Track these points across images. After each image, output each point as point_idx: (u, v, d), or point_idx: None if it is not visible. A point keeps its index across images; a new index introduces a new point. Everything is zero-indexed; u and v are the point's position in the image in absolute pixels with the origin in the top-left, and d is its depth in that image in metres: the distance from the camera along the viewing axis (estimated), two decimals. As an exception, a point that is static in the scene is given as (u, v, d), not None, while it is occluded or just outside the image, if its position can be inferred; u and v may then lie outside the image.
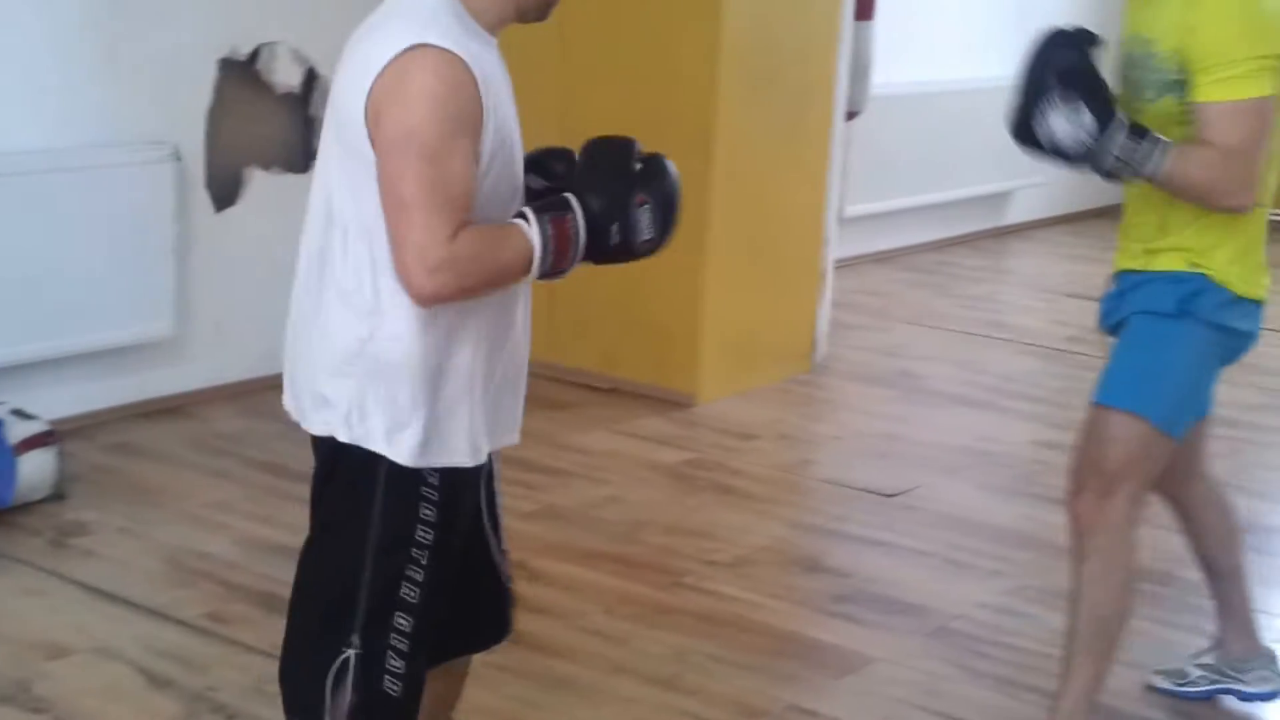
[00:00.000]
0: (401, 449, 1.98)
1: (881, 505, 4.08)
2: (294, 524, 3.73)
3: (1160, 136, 2.48)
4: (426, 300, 1.91)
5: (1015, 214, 7.81)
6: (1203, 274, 2.60)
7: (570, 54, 4.92)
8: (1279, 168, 2.65)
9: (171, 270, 4.35)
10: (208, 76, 4.46)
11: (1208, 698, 3.04)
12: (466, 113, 1.86)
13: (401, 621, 2.02)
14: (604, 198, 1.95)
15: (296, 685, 2.09)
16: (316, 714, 2.04)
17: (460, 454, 2.01)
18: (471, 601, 2.19)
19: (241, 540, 3.63)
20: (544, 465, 4.23)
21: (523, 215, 1.94)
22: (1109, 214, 8.48)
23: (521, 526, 3.80)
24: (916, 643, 3.27)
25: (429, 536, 2.00)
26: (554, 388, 4.88)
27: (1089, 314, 7.19)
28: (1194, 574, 3.66)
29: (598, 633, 3.25)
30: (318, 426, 2.03)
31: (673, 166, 2.02)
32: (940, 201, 7.17)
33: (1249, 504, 4.22)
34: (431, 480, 2.00)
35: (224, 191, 4.55)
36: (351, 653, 2.02)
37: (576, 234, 1.94)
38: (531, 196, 2.04)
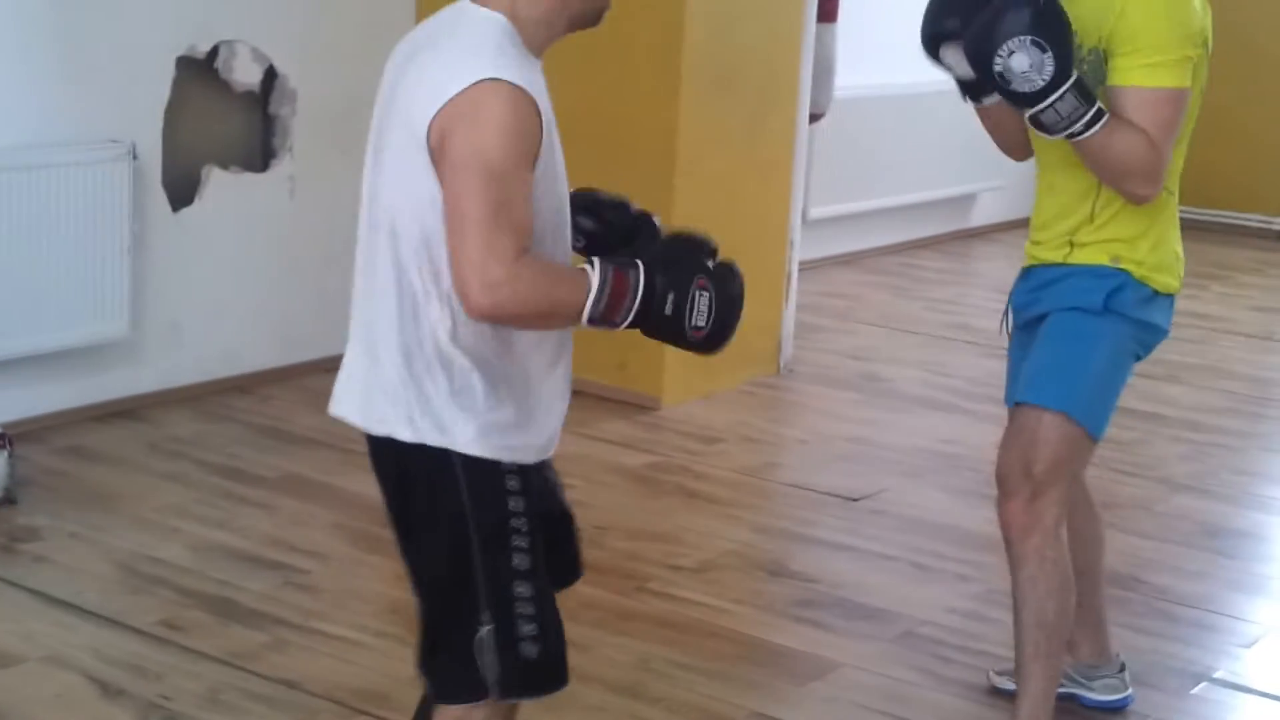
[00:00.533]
0: (467, 441, 2.06)
1: (847, 509, 4.06)
2: (250, 529, 3.70)
3: (1102, 106, 2.48)
4: (481, 316, 1.99)
5: (979, 217, 7.82)
6: (1124, 270, 2.60)
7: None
8: (1181, 160, 2.65)
9: (127, 270, 4.28)
10: (166, 74, 4.41)
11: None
12: (530, 145, 1.97)
13: (522, 589, 2.13)
14: (668, 268, 2.05)
15: (448, 673, 2.20)
16: (479, 691, 2.16)
17: (524, 451, 2.12)
18: (556, 544, 2.31)
19: (196, 546, 3.57)
20: (506, 469, 4.18)
21: (590, 262, 2.02)
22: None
23: (483, 531, 3.76)
24: (883, 648, 3.25)
25: (521, 505, 2.12)
26: (517, 390, 4.84)
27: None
28: (1156, 579, 3.68)
29: (560, 639, 3.21)
30: (376, 427, 2.11)
31: (741, 277, 2.12)
32: (904, 204, 7.17)
33: (1214, 508, 4.24)
34: (510, 469, 2.10)
35: (181, 190, 4.49)
36: (485, 629, 2.13)
37: (634, 290, 2.01)
38: (580, 234, 2.19)
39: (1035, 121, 2.49)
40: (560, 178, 2.10)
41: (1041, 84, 2.42)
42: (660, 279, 2.03)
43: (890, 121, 6.81)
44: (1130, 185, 2.52)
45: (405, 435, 2.08)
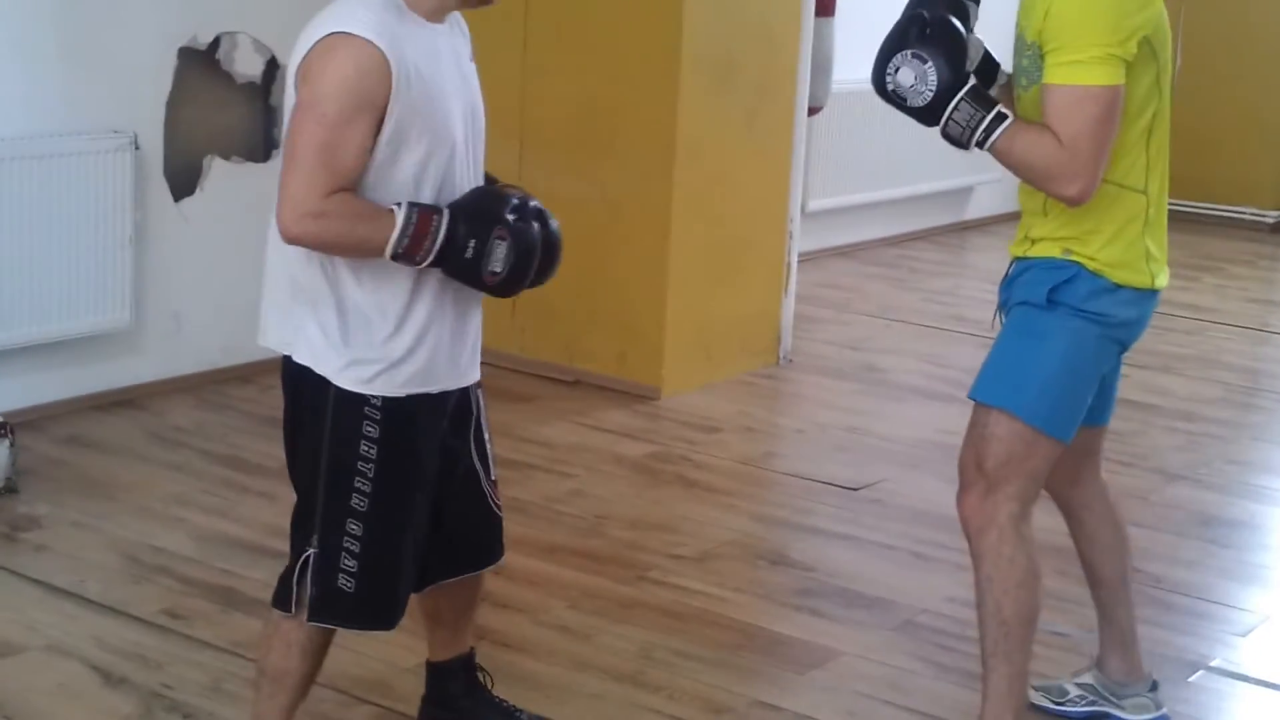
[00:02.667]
0: (334, 373, 2.29)
1: (846, 499, 4.07)
2: (252, 518, 3.71)
3: (1005, 111, 2.47)
4: (290, 241, 2.21)
5: (975, 209, 7.84)
6: (1077, 261, 2.56)
7: (531, 49, 4.89)
8: (1164, 158, 2.61)
9: (129, 260, 4.29)
10: (168, 65, 4.41)
11: (1084, 718, 2.95)
12: (370, 95, 2.17)
13: (353, 527, 2.33)
14: (471, 217, 2.25)
15: (282, 580, 2.41)
16: (285, 604, 2.39)
17: (390, 381, 2.30)
18: (460, 527, 2.50)
19: (199, 535, 3.58)
20: (506, 458, 4.18)
21: (399, 204, 2.23)
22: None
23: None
24: (882, 637, 3.27)
25: (373, 452, 2.31)
26: (516, 380, 4.86)
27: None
28: (1152, 568, 3.70)
29: (562, 628, 3.23)
30: (274, 341, 2.36)
31: (553, 228, 2.33)
32: (902, 197, 7.18)
33: (1209, 498, 4.26)
34: (374, 403, 2.30)
35: (183, 181, 4.50)
36: (312, 552, 2.35)
37: (436, 233, 2.21)
38: None
39: (946, 137, 2.51)
40: (439, 129, 2.25)
41: (930, 95, 2.46)
42: (463, 226, 2.23)
43: (888, 115, 6.76)
44: (1050, 187, 2.49)
45: (297, 356, 2.31)
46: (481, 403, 2.53)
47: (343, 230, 2.19)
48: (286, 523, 3.63)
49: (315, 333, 2.29)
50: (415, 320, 2.31)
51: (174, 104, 4.42)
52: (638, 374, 4.81)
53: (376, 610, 2.39)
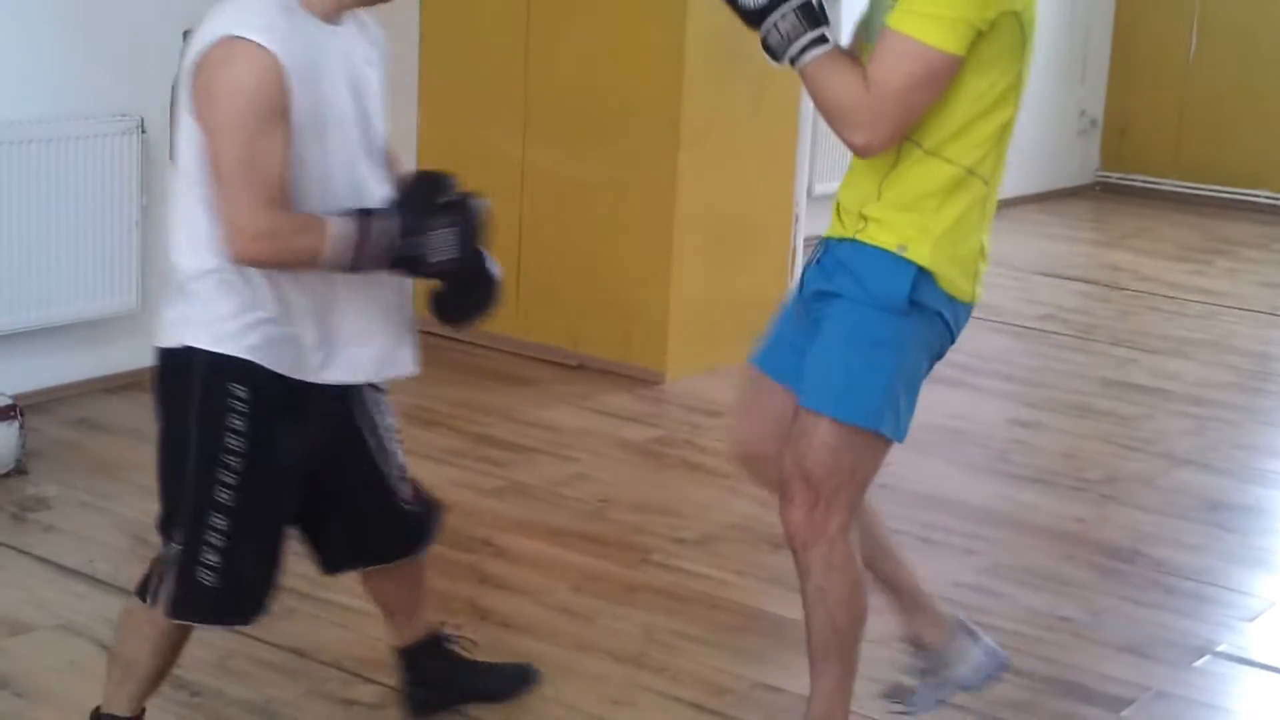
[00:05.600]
0: (210, 339, 2.26)
1: (851, 483, 4.06)
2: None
3: (828, 36, 2.35)
4: (244, 264, 2.21)
5: (986, 193, 7.81)
6: (911, 260, 2.39)
7: (535, 31, 4.88)
8: (1004, 158, 2.49)
9: (136, 243, 4.30)
10: (174, 49, 4.38)
11: (941, 704, 2.79)
12: (274, 101, 2.16)
13: (217, 520, 2.29)
14: (407, 210, 2.26)
15: (147, 572, 2.40)
16: (143, 594, 2.39)
17: (270, 352, 2.26)
18: (360, 522, 2.50)
19: (205, 516, 3.60)
20: (509, 442, 4.21)
21: (339, 214, 2.23)
22: (1081, 193, 8.49)
23: (487, 503, 3.78)
24: (887, 620, 3.25)
25: (240, 444, 2.27)
26: (520, 363, 4.87)
27: (1061, 292, 7.13)
28: (1158, 552, 3.70)
29: (565, 610, 3.24)
30: (158, 339, 2.34)
31: (481, 205, 2.33)
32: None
33: (1217, 482, 4.25)
34: (239, 394, 2.26)
35: (189, 164, 4.50)
36: (176, 547, 2.32)
37: (375, 237, 2.21)
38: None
39: (766, 47, 2.37)
40: (334, 134, 2.25)
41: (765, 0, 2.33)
42: (402, 220, 2.23)
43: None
44: (840, 128, 2.35)
45: (164, 340, 2.30)
46: (383, 399, 2.50)
47: (289, 245, 2.19)
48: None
49: (187, 305, 2.27)
50: (297, 294, 2.27)
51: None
52: (641, 358, 4.82)
53: (236, 605, 2.37)
